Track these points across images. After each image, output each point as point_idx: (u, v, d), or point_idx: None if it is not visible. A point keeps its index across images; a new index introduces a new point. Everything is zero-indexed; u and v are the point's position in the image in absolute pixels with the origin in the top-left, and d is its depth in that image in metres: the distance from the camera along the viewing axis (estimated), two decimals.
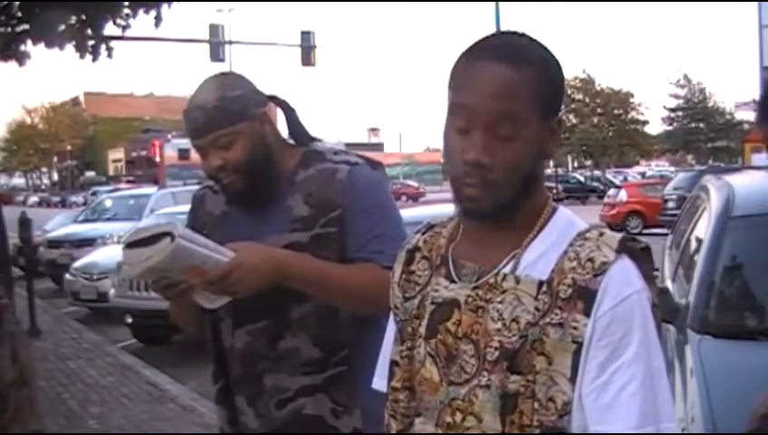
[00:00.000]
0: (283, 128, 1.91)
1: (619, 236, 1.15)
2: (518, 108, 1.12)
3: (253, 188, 1.79)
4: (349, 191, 1.78)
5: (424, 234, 1.33)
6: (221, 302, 1.72)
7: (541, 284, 1.13)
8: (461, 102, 1.14)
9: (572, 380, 1.09)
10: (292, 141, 1.91)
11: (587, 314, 1.09)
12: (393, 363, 1.29)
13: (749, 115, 46.44)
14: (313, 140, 1.91)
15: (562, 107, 1.27)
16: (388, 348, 1.33)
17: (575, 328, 1.09)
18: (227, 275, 1.64)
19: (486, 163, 1.12)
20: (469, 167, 1.13)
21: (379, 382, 1.34)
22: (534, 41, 1.19)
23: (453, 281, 1.22)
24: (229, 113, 1.73)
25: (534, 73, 1.13)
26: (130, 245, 1.65)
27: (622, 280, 1.10)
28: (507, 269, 1.16)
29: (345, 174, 1.80)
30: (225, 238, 1.77)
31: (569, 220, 1.19)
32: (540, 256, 1.15)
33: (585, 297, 1.09)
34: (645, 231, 18.97)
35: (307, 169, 1.82)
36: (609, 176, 42.73)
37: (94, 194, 27.41)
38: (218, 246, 1.68)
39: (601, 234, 1.15)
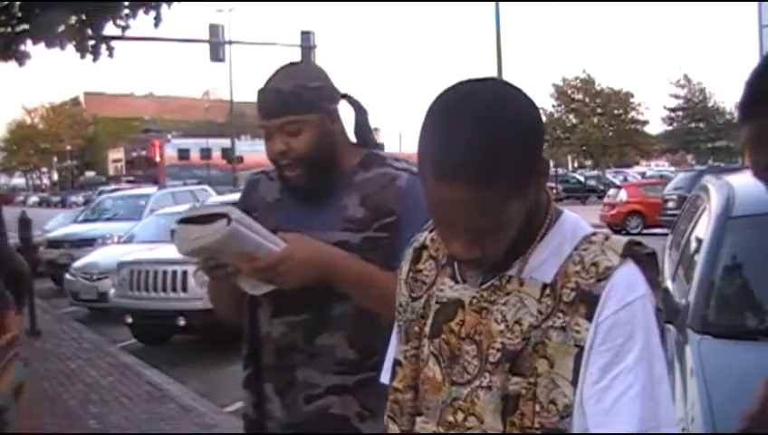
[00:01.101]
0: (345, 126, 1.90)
1: (624, 240, 1.14)
2: (498, 214, 1.06)
3: (311, 182, 1.79)
4: (407, 200, 1.77)
5: (432, 231, 1.33)
6: (265, 289, 1.73)
7: (545, 286, 1.13)
8: (435, 214, 1.10)
9: (574, 383, 1.09)
10: (354, 141, 1.91)
11: (589, 318, 1.09)
12: (396, 363, 1.29)
13: None
14: (376, 144, 1.92)
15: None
16: (394, 344, 1.34)
17: (577, 332, 1.09)
18: (277, 264, 1.66)
19: (476, 257, 1.11)
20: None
21: (386, 376, 1.35)
22: (508, 95, 1.09)
23: (458, 281, 1.22)
24: (303, 102, 1.74)
25: (511, 168, 1.04)
26: (185, 220, 1.65)
27: (626, 285, 1.10)
28: (512, 271, 1.16)
29: (405, 182, 1.79)
30: (274, 227, 1.77)
31: (574, 224, 1.19)
32: (545, 260, 1.15)
33: (588, 302, 1.09)
34: (645, 231, 18.98)
35: (367, 171, 1.82)
36: (609, 176, 42.70)
37: (100, 193, 27.41)
38: (271, 235, 1.69)
39: (607, 238, 1.15)
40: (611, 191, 23.76)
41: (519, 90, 1.11)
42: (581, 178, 40.84)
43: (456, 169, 1.02)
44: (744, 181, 4.04)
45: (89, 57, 9.05)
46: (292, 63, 1.84)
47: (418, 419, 1.23)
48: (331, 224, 1.78)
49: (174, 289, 8.18)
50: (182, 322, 8.06)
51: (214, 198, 11.85)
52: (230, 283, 1.74)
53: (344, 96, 1.86)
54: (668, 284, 3.90)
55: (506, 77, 17.75)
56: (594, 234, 1.16)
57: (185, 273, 8.14)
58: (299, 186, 1.80)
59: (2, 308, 2.50)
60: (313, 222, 1.78)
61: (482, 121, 1.04)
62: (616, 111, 48.01)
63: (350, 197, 1.79)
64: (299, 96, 1.73)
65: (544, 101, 46.78)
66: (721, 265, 3.21)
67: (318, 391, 1.77)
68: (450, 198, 1.04)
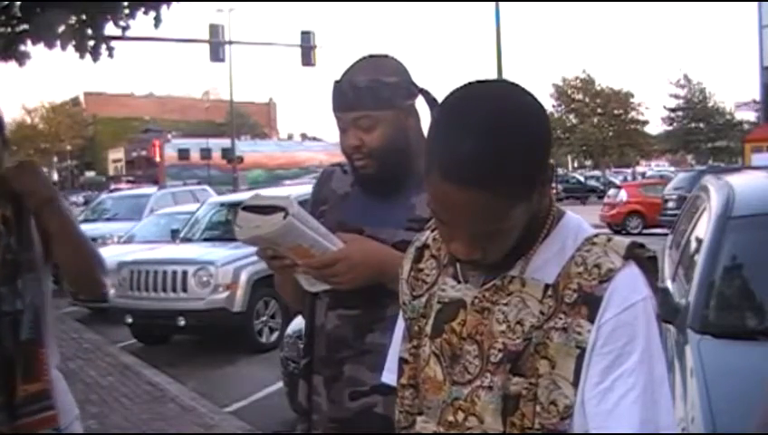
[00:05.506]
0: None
1: (626, 242, 1.14)
2: (502, 219, 1.06)
3: (382, 177, 1.78)
4: None
5: (434, 231, 1.32)
6: (321, 288, 1.74)
7: (547, 287, 1.13)
8: (438, 213, 1.10)
9: (575, 384, 1.08)
10: None
11: (591, 319, 1.09)
12: (402, 361, 1.29)
13: (749, 115, 46.45)
14: None
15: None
16: (397, 344, 1.33)
17: (579, 333, 1.09)
18: (332, 263, 1.66)
19: (476, 258, 1.12)
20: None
21: (388, 376, 1.35)
22: (519, 100, 1.08)
23: (459, 281, 1.22)
24: (378, 97, 1.73)
25: (518, 175, 1.04)
26: (247, 208, 1.67)
27: (628, 287, 1.09)
28: (514, 272, 1.16)
29: None
30: (342, 218, 1.78)
31: (577, 225, 1.19)
32: (547, 260, 1.15)
33: (590, 303, 1.09)
34: (645, 231, 18.98)
35: None
36: (609, 176, 42.68)
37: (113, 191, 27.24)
38: (329, 233, 1.69)
39: (609, 239, 1.15)
40: (611, 191, 23.76)
41: (529, 93, 1.10)
42: (581, 178, 40.85)
43: (463, 173, 1.02)
44: (744, 181, 4.04)
45: (89, 57, 9.04)
46: (371, 56, 1.82)
47: (419, 418, 1.23)
48: (397, 222, 1.76)
49: (174, 289, 8.18)
50: (182, 322, 8.06)
51: (213, 199, 11.83)
52: (288, 275, 1.75)
53: (421, 91, 1.82)
54: (668, 284, 3.90)
55: (506, 77, 17.73)
56: (596, 235, 1.16)
57: (185, 273, 8.15)
58: (368, 177, 1.79)
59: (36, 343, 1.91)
60: (379, 218, 1.78)
61: (491, 127, 1.03)
62: (616, 111, 47.98)
63: (418, 196, 1.75)
64: (374, 91, 1.72)
65: (544, 101, 46.32)
66: (721, 266, 3.21)
67: (363, 389, 1.77)
68: (455, 199, 1.04)
